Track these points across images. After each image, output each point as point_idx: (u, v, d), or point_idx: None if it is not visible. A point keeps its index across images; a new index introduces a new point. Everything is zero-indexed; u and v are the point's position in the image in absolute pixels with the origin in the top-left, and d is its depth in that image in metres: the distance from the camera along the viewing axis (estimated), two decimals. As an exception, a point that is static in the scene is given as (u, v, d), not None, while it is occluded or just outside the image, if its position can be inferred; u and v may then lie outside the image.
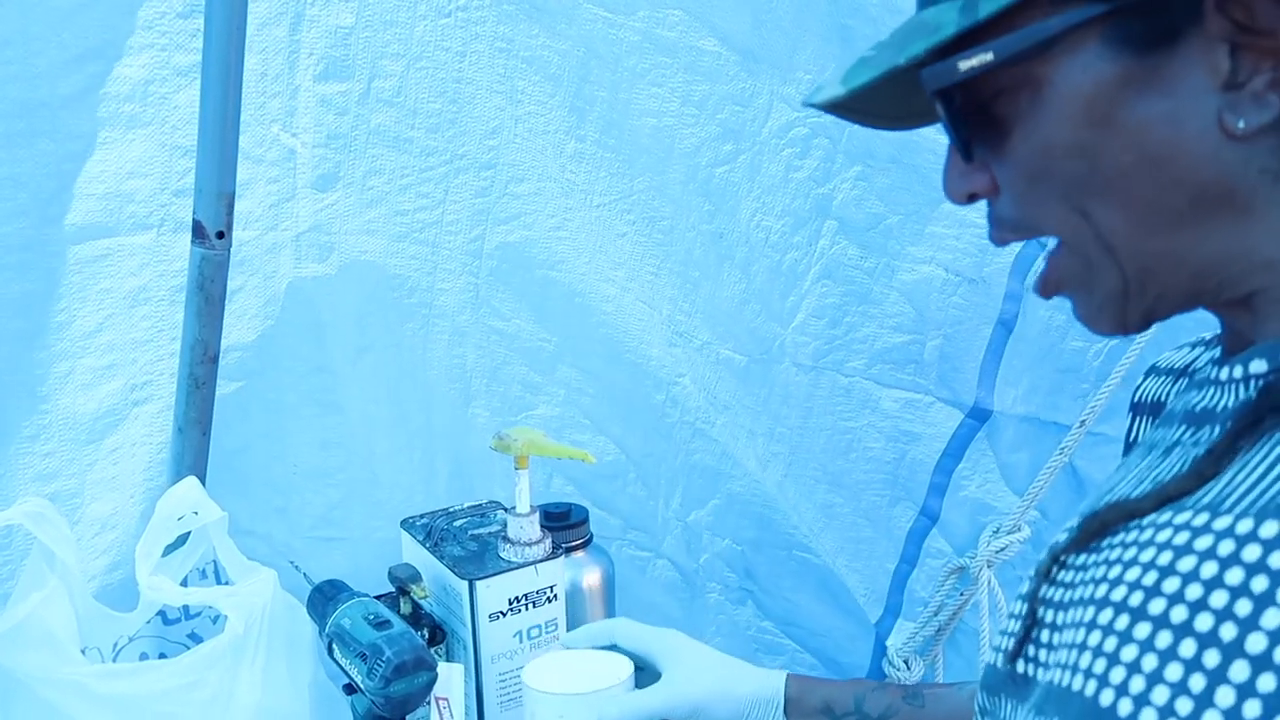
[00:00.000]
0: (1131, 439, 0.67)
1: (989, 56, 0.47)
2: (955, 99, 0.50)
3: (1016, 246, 1.28)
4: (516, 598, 1.07)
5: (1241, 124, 0.45)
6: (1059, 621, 0.51)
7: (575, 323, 1.26)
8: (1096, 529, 0.51)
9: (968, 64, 0.48)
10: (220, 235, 1.09)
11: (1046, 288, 0.54)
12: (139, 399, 1.08)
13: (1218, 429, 0.50)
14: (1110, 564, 0.48)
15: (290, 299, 1.15)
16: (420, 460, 1.27)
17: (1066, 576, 0.52)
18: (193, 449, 1.13)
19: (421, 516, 1.16)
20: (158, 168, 1.04)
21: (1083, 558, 0.51)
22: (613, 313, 1.27)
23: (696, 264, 1.28)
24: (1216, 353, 0.59)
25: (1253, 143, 0.45)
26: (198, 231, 1.08)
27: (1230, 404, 0.50)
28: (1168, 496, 0.48)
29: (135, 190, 1.03)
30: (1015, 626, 0.55)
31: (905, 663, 1.52)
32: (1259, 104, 0.45)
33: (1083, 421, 1.36)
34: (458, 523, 1.16)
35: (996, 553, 1.47)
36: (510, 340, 1.26)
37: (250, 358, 1.14)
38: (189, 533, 1.08)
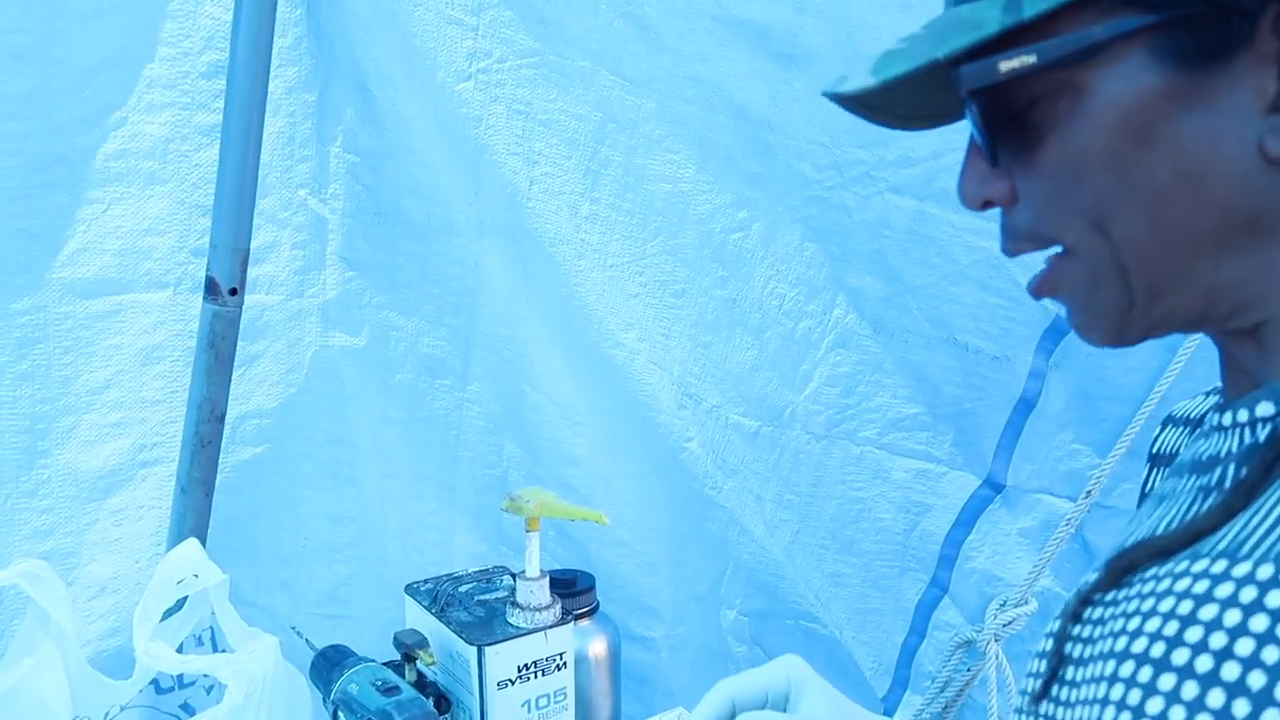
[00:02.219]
0: (1146, 490, 0.65)
1: (1032, 59, 0.46)
2: (988, 100, 0.49)
3: (1039, 322, 1.28)
4: (526, 665, 1.04)
5: None
6: (1078, 678, 0.50)
7: (593, 386, 1.26)
8: (1124, 567, 0.49)
9: (1009, 65, 0.46)
10: (233, 292, 1.08)
11: (1041, 289, 0.53)
12: (148, 460, 1.06)
13: (1226, 471, 0.49)
14: (1129, 616, 0.47)
15: (315, 367, 1.14)
16: (436, 539, 1.25)
17: (1095, 614, 0.50)
18: (195, 510, 1.11)
19: (426, 581, 1.14)
20: (176, 225, 1.03)
21: (1110, 596, 0.49)
22: (623, 375, 1.26)
23: (709, 328, 1.27)
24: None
25: None
26: (210, 288, 1.07)
27: (1234, 448, 0.49)
28: (1198, 533, 0.47)
29: (152, 248, 1.03)
30: (1041, 667, 0.53)
31: (912, 739, 1.49)
32: None
33: (1089, 492, 1.35)
34: (464, 588, 1.13)
35: (1004, 626, 1.45)
36: (542, 412, 1.24)
37: (269, 425, 1.13)
38: (186, 597, 1.05)
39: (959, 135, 1.26)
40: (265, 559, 1.16)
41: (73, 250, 1.00)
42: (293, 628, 1.09)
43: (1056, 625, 0.53)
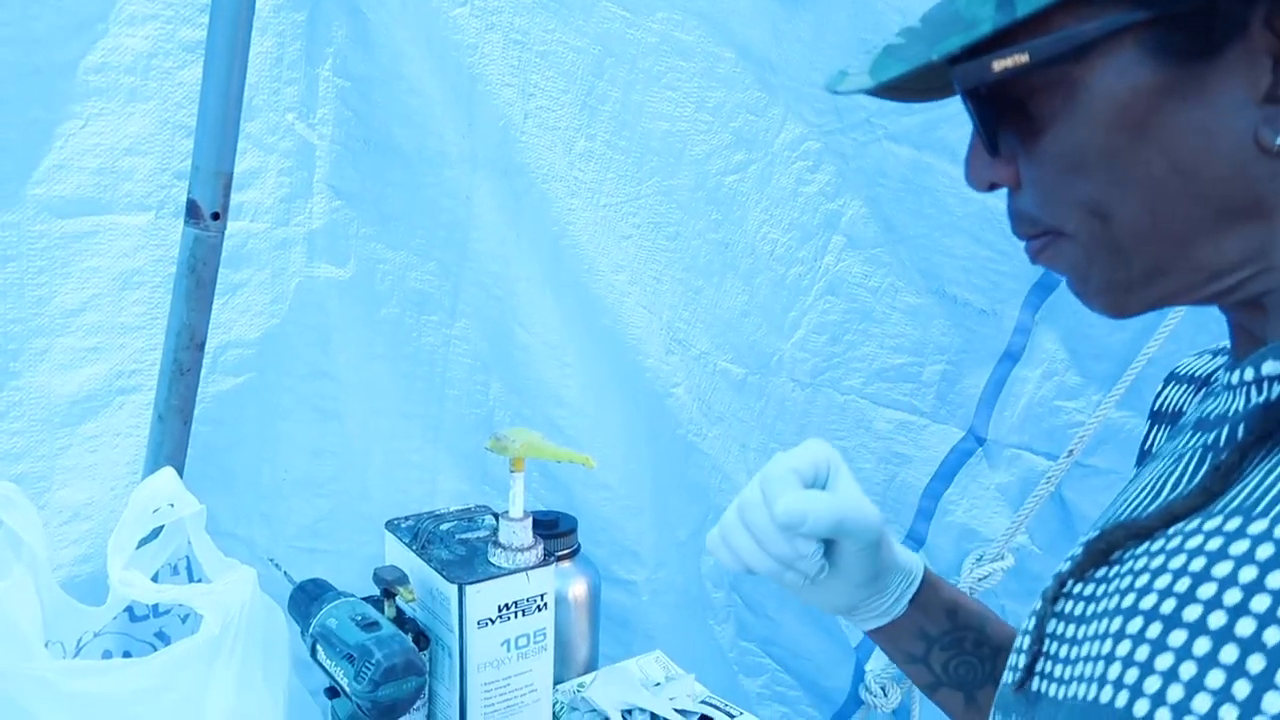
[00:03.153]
0: (1147, 446, 0.66)
1: (1024, 58, 0.46)
2: (985, 95, 0.49)
3: (1028, 276, 1.28)
4: (506, 604, 1.03)
5: (1279, 140, 0.45)
6: (1078, 635, 0.49)
7: (582, 328, 1.24)
8: (1103, 550, 0.49)
9: (1002, 64, 0.46)
10: (216, 216, 1.04)
11: (1039, 258, 0.53)
12: (125, 387, 1.03)
13: (1226, 432, 0.50)
14: (1136, 573, 0.47)
15: (299, 298, 1.11)
16: (418, 477, 1.24)
17: (1084, 590, 0.50)
18: (172, 438, 1.09)
19: (407, 518, 1.13)
20: (158, 146, 1.00)
21: (1100, 573, 0.50)
22: (612, 317, 1.24)
23: (700, 272, 1.26)
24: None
25: None
26: (192, 211, 1.04)
27: (1241, 407, 0.50)
28: (1174, 516, 0.47)
29: (133, 168, 0.99)
30: (1026, 643, 0.53)
31: (883, 689, 1.50)
32: None
33: (1070, 451, 1.37)
34: (445, 526, 1.12)
35: (979, 580, 1.47)
36: (530, 352, 1.22)
37: (251, 355, 1.10)
38: (162, 526, 1.03)
39: (961, 84, 1.24)
40: (244, 490, 1.14)
41: (49, 167, 0.96)
42: (271, 560, 1.08)
43: (1038, 607, 0.53)
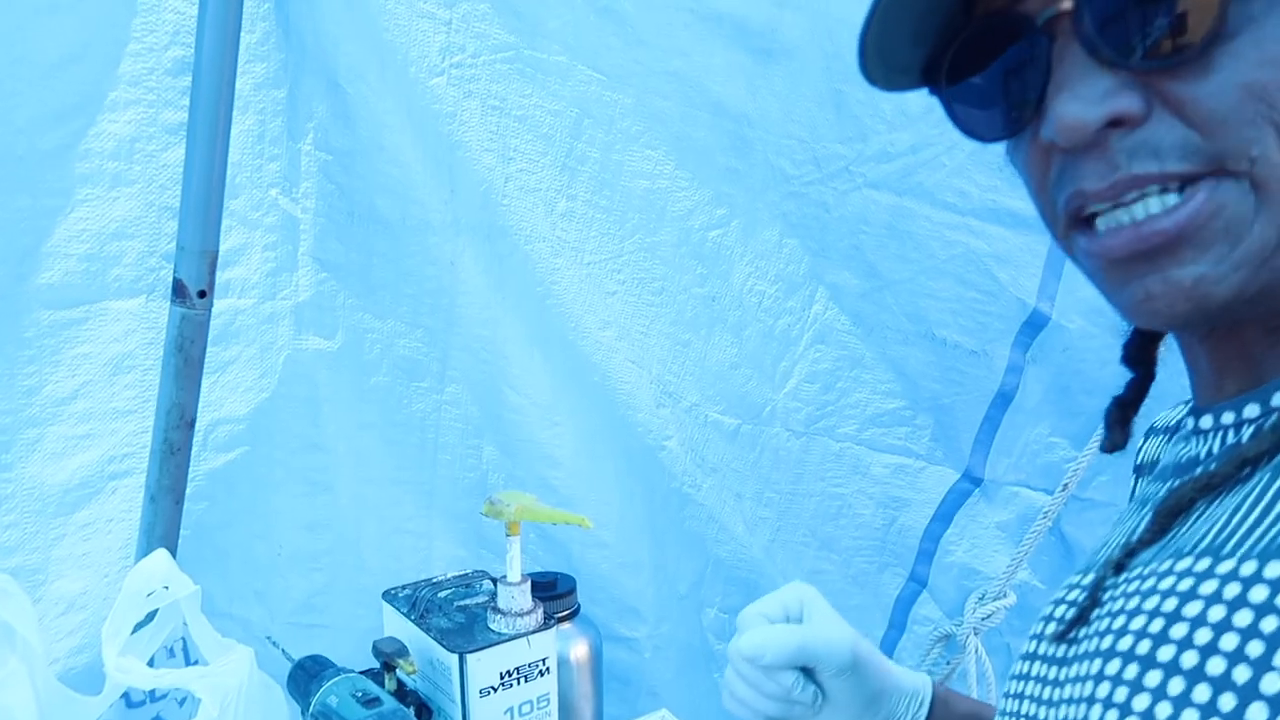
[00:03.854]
0: (1132, 498, 0.65)
1: None
2: None
3: (1016, 316, 1.28)
4: (508, 671, 1.02)
5: None
6: (1060, 677, 0.50)
7: (572, 386, 1.24)
8: (1174, 508, 0.48)
9: None
10: (202, 294, 1.05)
11: (1184, 232, 0.43)
12: (117, 471, 1.03)
13: (1203, 471, 0.49)
14: (1113, 615, 0.47)
15: (288, 371, 1.12)
16: (414, 545, 1.23)
17: (1121, 579, 0.50)
18: (164, 518, 1.08)
19: (404, 587, 1.12)
20: (145, 229, 1.00)
21: (1112, 580, 0.49)
22: (601, 373, 1.24)
23: (688, 326, 1.26)
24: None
25: None
26: (178, 290, 1.04)
27: (1215, 449, 0.49)
28: (1131, 550, 0.47)
29: (121, 252, 0.99)
30: (1067, 613, 0.53)
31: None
32: None
33: (1065, 485, 1.36)
34: (443, 593, 1.12)
35: (983, 620, 1.46)
36: (521, 413, 1.22)
37: (241, 431, 1.10)
38: (157, 609, 1.02)
39: (935, 130, 1.27)
40: (238, 568, 1.13)
41: (36, 256, 0.96)
42: (268, 638, 1.07)
43: (1089, 578, 0.52)
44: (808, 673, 0.71)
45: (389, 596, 1.11)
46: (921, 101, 1.19)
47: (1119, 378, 1.30)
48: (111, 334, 1.00)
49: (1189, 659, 0.41)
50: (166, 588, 1.00)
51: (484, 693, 1.01)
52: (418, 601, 1.09)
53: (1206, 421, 0.50)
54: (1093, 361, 1.31)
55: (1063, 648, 0.50)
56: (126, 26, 0.96)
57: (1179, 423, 0.61)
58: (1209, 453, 0.50)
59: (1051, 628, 0.53)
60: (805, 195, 1.22)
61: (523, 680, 1.03)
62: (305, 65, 1.07)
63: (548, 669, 1.05)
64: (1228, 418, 0.49)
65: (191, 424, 1.07)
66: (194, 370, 1.06)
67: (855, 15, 1.16)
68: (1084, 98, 0.44)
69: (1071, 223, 0.47)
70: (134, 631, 1.00)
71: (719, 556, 1.38)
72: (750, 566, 1.39)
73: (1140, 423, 0.63)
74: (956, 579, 1.47)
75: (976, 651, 1.47)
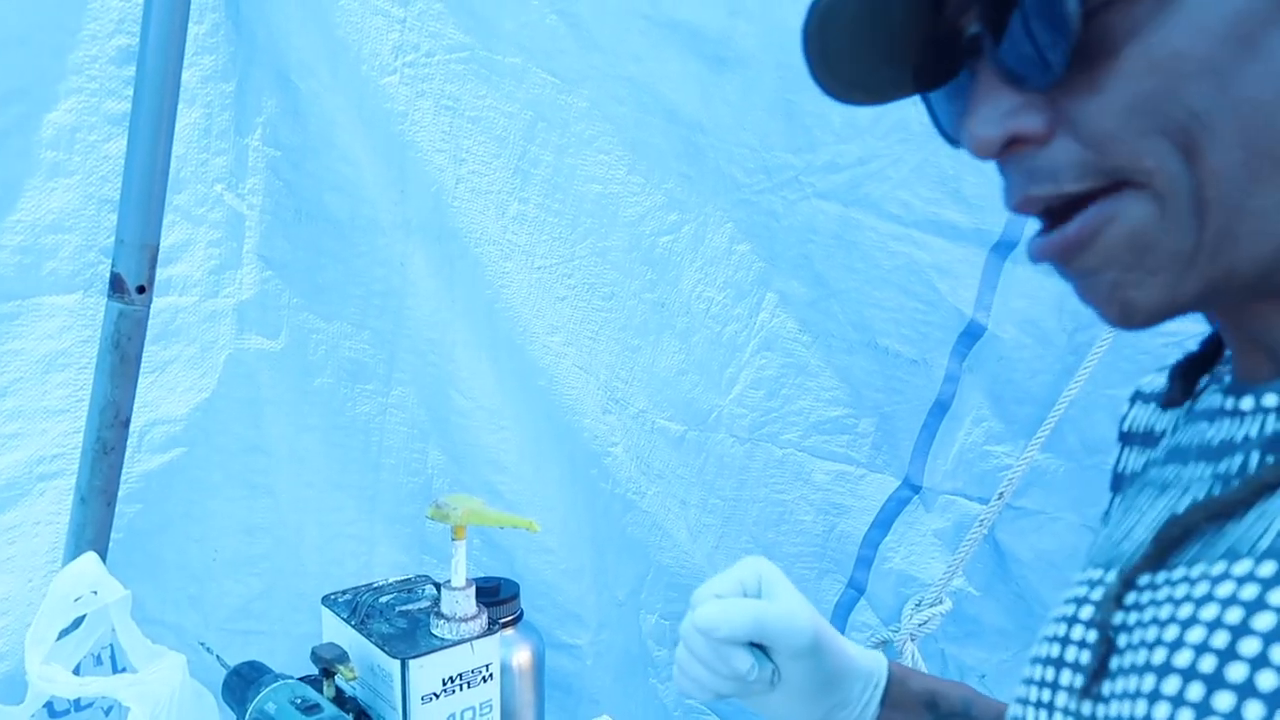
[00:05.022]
0: (1121, 469, 0.62)
1: None
2: (1046, 7, 0.42)
3: (955, 326, 1.31)
4: (451, 677, 1.01)
5: None
6: (1116, 688, 0.45)
7: (516, 389, 1.23)
8: (1178, 536, 0.44)
9: None
10: (141, 290, 1.02)
11: (1080, 238, 0.43)
12: (47, 473, 1.00)
13: (1247, 458, 0.45)
14: (1161, 624, 0.43)
15: (229, 371, 1.09)
16: (355, 550, 1.21)
17: (1132, 598, 0.46)
18: (95, 521, 1.05)
19: (345, 592, 1.10)
20: (84, 222, 0.97)
21: (1147, 580, 0.45)
22: (549, 378, 1.24)
23: (637, 331, 1.26)
24: (1217, 375, 0.55)
25: None
26: (116, 285, 1.02)
27: (1253, 434, 0.46)
28: (1266, 484, 0.42)
29: (57, 245, 0.96)
30: (1082, 657, 0.48)
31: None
32: None
33: (1000, 494, 1.40)
34: (384, 598, 1.10)
35: (919, 626, 1.48)
36: (467, 418, 1.21)
37: (179, 432, 1.07)
38: (84, 615, 0.99)
39: (882, 143, 1.29)
40: (172, 573, 1.10)
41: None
42: (202, 644, 1.04)
43: (1091, 613, 0.48)
44: (764, 651, 0.69)
45: (329, 601, 1.08)
46: (870, 114, 1.22)
47: (1049, 388, 1.35)
48: (45, 330, 0.97)
49: (1267, 680, 0.37)
50: (95, 593, 0.97)
51: (426, 699, 0.99)
52: (358, 606, 1.08)
53: (1247, 403, 0.47)
54: (1024, 371, 1.35)
55: (1130, 614, 0.46)
56: (68, 13, 0.93)
57: (1199, 395, 0.57)
58: (1247, 437, 0.46)
59: (1081, 633, 0.49)
60: (755, 203, 1.23)
61: (465, 686, 1.02)
62: (255, 59, 1.05)
63: (491, 675, 1.04)
64: (1270, 400, 0.45)
65: (126, 423, 1.04)
66: (130, 368, 1.03)
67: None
68: (986, 118, 0.44)
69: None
70: (59, 638, 0.96)
71: (661, 563, 1.39)
72: (693, 573, 1.40)
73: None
74: (894, 586, 1.49)
75: (913, 658, 1.50)
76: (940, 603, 1.47)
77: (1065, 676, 0.48)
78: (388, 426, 1.20)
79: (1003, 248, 1.30)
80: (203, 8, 1.01)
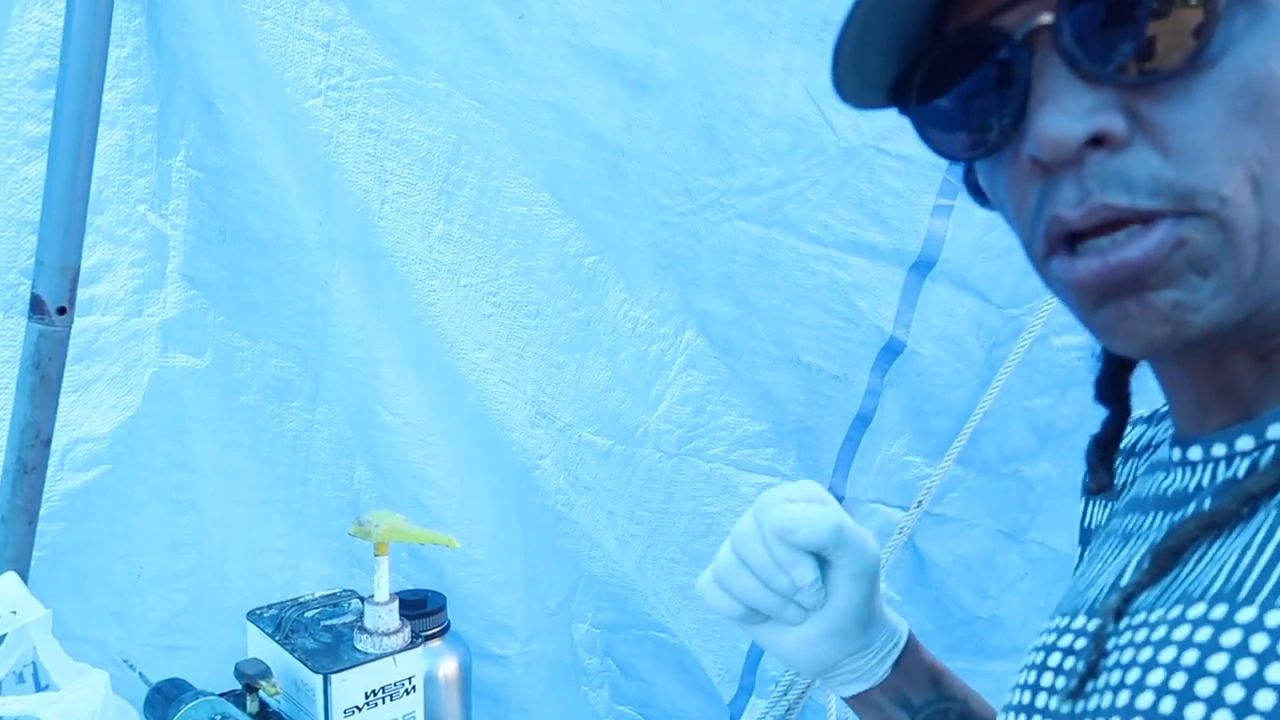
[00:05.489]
0: (1087, 524, 0.63)
1: None
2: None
3: (875, 343, 1.35)
4: (374, 691, 1.03)
5: None
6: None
7: (446, 407, 1.25)
8: (1174, 548, 0.45)
9: None
10: (62, 311, 1.03)
11: (1154, 263, 0.41)
12: (-38, 491, 1.00)
13: (1197, 507, 0.47)
14: (1124, 668, 0.43)
15: (153, 389, 1.10)
16: (281, 564, 1.22)
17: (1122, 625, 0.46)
18: (16, 540, 1.06)
19: (270, 607, 1.11)
20: (3, 244, 0.98)
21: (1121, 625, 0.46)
22: (476, 394, 1.26)
23: (562, 348, 1.29)
24: (1164, 430, 0.56)
25: None
26: (36, 306, 1.02)
27: (1205, 482, 0.47)
28: (1129, 594, 0.44)
29: (-25, 267, 0.97)
30: (1073, 664, 0.49)
31: (759, 742, 1.54)
32: None
33: (919, 502, 1.44)
34: (310, 613, 1.11)
35: (845, 629, 1.53)
36: (394, 434, 1.22)
37: (103, 450, 1.08)
38: (4, 635, 0.99)
39: (801, 166, 1.32)
40: (96, 590, 1.11)
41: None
42: (125, 660, 1.05)
43: (1085, 622, 0.49)
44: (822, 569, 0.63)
45: (254, 617, 1.10)
46: (788, 138, 1.25)
47: (966, 401, 1.40)
48: (-37, 352, 0.97)
49: (1221, 719, 0.38)
50: (14, 612, 0.98)
51: (349, 712, 1.01)
52: (283, 621, 1.09)
53: (1195, 453, 0.48)
54: (943, 386, 1.39)
55: (1069, 703, 0.46)
56: (-14, 37, 0.94)
57: (1134, 446, 0.59)
58: (1199, 486, 0.47)
59: (1050, 679, 0.49)
60: (678, 225, 1.26)
61: (388, 699, 1.04)
62: (177, 82, 1.06)
63: (414, 687, 1.06)
64: (1219, 450, 0.47)
65: (48, 443, 1.05)
66: (51, 388, 1.04)
67: (727, 53, 1.21)
68: (1068, 111, 0.41)
69: (1051, 248, 0.45)
70: (-20, 657, 0.97)
71: (592, 573, 1.41)
72: (623, 582, 1.43)
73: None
74: (819, 593, 1.53)
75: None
76: (863, 609, 1.52)
77: (1044, 704, 0.49)
78: (314, 443, 1.21)
79: (921, 267, 1.34)
80: (124, 31, 1.02)
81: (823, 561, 0.63)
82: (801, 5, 1.20)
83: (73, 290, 1.02)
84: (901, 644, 0.67)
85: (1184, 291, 0.41)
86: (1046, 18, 0.42)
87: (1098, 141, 0.41)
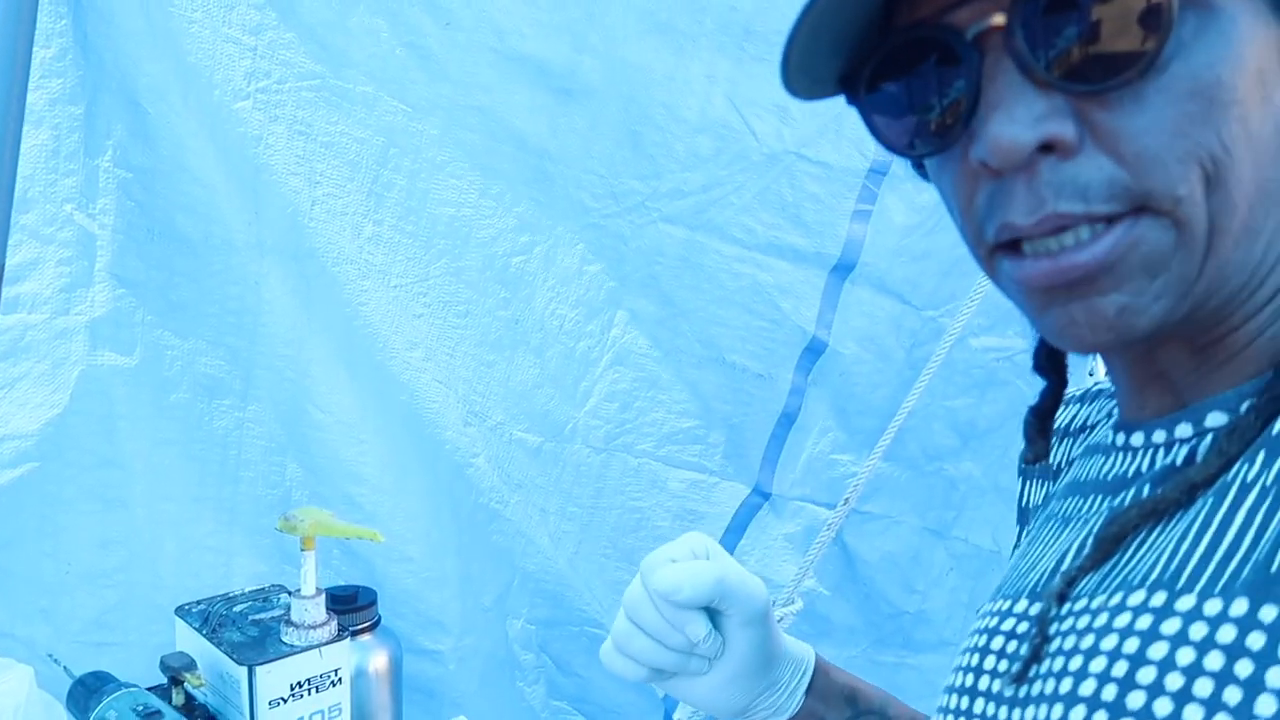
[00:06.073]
0: (1025, 504, 0.64)
1: None
2: (1094, 7, 0.41)
3: (798, 343, 1.39)
4: (299, 683, 1.05)
5: None
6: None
7: (378, 405, 1.27)
8: (1116, 535, 0.46)
9: None
10: (-13, 309, 1.04)
11: (1106, 265, 0.42)
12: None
13: (1136, 492, 0.47)
14: (1067, 654, 0.44)
15: (81, 387, 1.11)
16: (213, 561, 1.24)
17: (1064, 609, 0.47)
18: (-58, 536, 1.06)
19: (199, 602, 1.13)
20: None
21: (1062, 610, 0.47)
22: (409, 392, 1.28)
23: (492, 347, 1.32)
24: (1106, 410, 0.57)
25: None
26: (-39, 304, 1.03)
27: (1144, 468, 0.48)
28: (1072, 578, 0.45)
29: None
30: (1019, 648, 0.49)
31: (692, 734, 1.57)
32: None
33: (846, 500, 1.48)
34: (238, 608, 1.13)
35: (775, 624, 1.56)
36: (325, 431, 1.24)
37: (30, 447, 1.09)
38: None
39: (726, 171, 1.36)
40: (23, 587, 1.12)
41: None
42: (50, 655, 1.06)
43: (1027, 606, 0.50)
44: (712, 623, 0.65)
45: (182, 612, 1.11)
46: (712, 144, 1.29)
47: (889, 401, 1.44)
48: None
49: (1162, 706, 0.39)
50: (-60, 608, 0.99)
51: (274, 704, 1.03)
52: (211, 616, 1.11)
53: (1137, 439, 0.49)
54: (865, 385, 1.44)
55: (1011, 688, 0.47)
56: (-92, 38, 0.95)
57: (1068, 426, 0.60)
58: (1139, 471, 0.48)
59: (993, 662, 0.50)
60: (604, 227, 1.29)
61: (314, 691, 1.06)
62: (104, 83, 1.07)
63: (339, 679, 1.08)
64: (1159, 436, 0.48)
65: (-27, 439, 1.06)
66: (-23, 384, 1.05)
67: (651, 61, 1.25)
68: (1019, 119, 0.41)
69: (999, 247, 0.45)
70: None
71: (527, 569, 1.44)
72: (557, 579, 1.45)
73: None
74: (750, 588, 1.56)
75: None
76: (793, 602, 1.55)
77: (979, 705, 0.50)
78: (245, 440, 1.23)
79: (841, 269, 1.39)
80: (49, 33, 1.04)
81: (714, 612, 0.65)
82: (723, 15, 1.24)
83: (-2, 288, 1.03)
84: (809, 672, 0.69)
85: (1130, 295, 0.42)
86: (999, 18, 0.42)
87: (1048, 148, 0.41)
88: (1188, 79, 0.40)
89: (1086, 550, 0.46)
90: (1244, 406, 0.44)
